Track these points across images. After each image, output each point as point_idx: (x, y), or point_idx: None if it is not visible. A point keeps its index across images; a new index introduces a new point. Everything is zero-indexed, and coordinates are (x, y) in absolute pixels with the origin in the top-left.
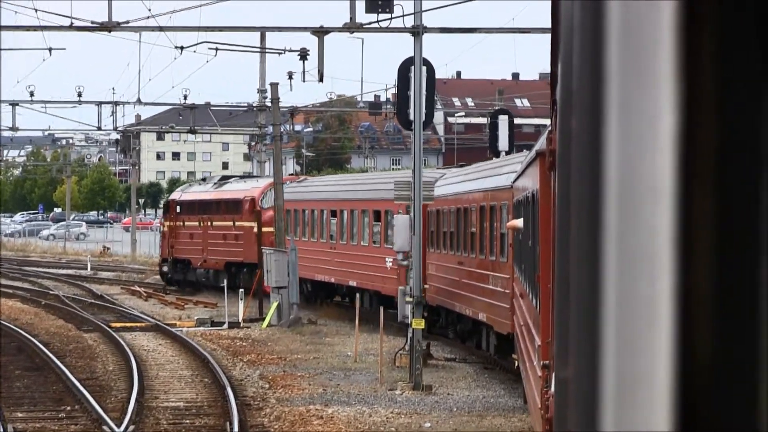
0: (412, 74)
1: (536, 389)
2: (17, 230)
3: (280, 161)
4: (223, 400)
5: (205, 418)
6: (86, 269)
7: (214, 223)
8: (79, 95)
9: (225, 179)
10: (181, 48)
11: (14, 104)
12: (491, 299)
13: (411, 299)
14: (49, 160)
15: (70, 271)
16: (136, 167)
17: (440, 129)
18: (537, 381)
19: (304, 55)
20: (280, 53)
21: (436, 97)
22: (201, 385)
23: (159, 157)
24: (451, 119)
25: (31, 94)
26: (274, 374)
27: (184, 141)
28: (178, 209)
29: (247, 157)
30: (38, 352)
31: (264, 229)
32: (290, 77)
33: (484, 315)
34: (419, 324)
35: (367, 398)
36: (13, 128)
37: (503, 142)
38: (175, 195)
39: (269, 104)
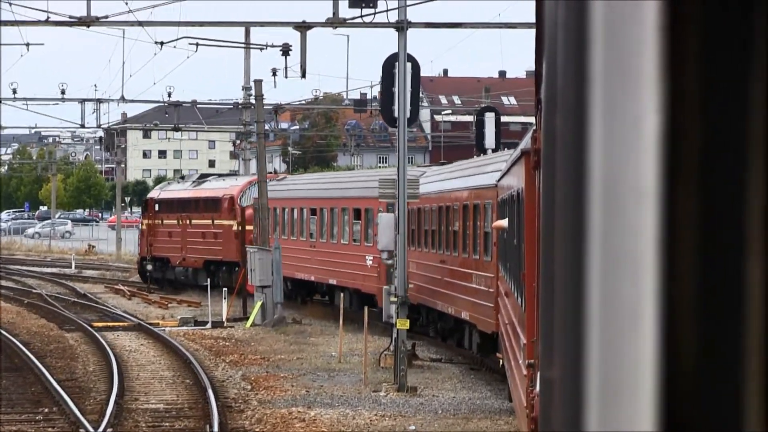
0: (396, 70)
1: (522, 388)
2: (2, 228)
3: (264, 159)
4: (204, 401)
5: (186, 420)
6: (71, 268)
7: (193, 222)
8: (63, 92)
9: (204, 177)
10: (161, 43)
11: None
12: (475, 298)
13: (396, 299)
14: (35, 158)
15: (54, 270)
16: (122, 165)
17: (427, 127)
18: (522, 380)
19: (286, 50)
20: (262, 48)
21: (422, 95)
22: (182, 386)
23: (145, 155)
24: (438, 117)
25: (14, 92)
26: (257, 375)
27: (169, 139)
28: (156, 207)
29: (234, 155)
30: (18, 353)
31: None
32: (274, 74)
33: (467, 314)
34: (404, 324)
35: (351, 400)
36: None
37: (490, 140)
38: (154, 193)
39: (254, 101)
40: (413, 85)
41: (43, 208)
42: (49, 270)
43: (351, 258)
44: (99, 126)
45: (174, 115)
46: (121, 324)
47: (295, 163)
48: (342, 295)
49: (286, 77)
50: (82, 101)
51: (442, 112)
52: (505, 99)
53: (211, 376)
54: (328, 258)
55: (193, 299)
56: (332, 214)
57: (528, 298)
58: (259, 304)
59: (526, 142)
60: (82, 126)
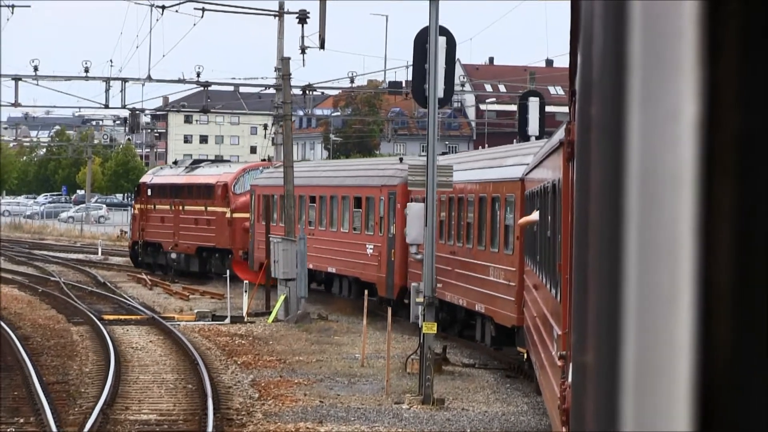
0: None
1: (553, 380)
2: (37, 212)
3: (291, 142)
4: (202, 412)
5: None
6: (97, 254)
7: (186, 207)
8: (86, 71)
9: (197, 163)
10: (162, 8)
11: (17, 79)
12: (492, 291)
13: (422, 300)
14: (74, 141)
15: (80, 256)
16: (155, 149)
17: (471, 115)
18: (554, 372)
19: (303, 18)
20: (275, 15)
21: (464, 79)
22: (183, 393)
23: (186, 140)
24: (482, 106)
25: (35, 69)
26: (269, 380)
27: (209, 123)
28: (149, 192)
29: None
30: (13, 349)
31: (237, 215)
32: (303, 51)
33: (482, 306)
34: (431, 328)
35: (369, 413)
36: (15, 104)
37: (533, 126)
38: (146, 178)
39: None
40: (448, 61)
41: (81, 192)
42: (74, 256)
43: (351, 246)
44: (124, 106)
45: (206, 97)
46: (133, 317)
47: (336, 150)
48: (366, 291)
49: (303, 47)
50: (107, 80)
51: (487, 101)
52: (552, 89)
53: (218, 380)
54: (327, 246)
55: (217, 291)
56: (332, 202)
57: (564, 289)
58: (282, 298)
59: (559, 134)
60: (106, 106)
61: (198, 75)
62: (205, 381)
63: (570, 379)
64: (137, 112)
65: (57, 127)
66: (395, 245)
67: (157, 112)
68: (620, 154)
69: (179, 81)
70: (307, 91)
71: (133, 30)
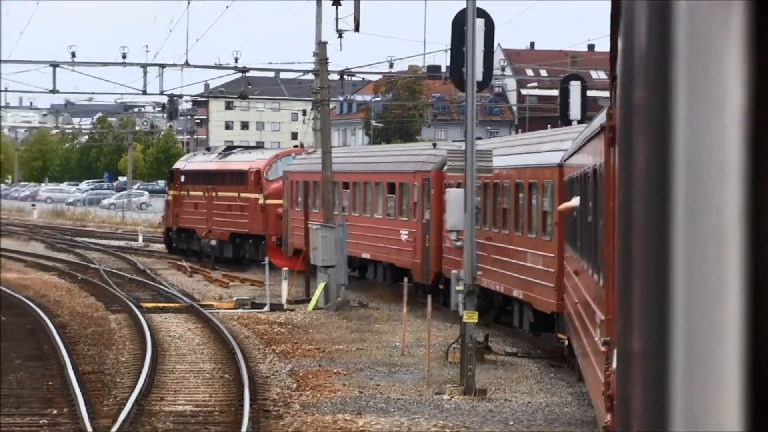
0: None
1: (597, 366)
2: (79, 198)
3: (329, 128)
4: (239, 403)
5: (212, 427)
6: (138, 241)
7: (219, 194)
8: (124, 57)
9: (230, 149)
10: None
11: (54, 65)
12: (531, 277)
13: (462, 288)
14: (115, 127)
15: (121, 243)
16: (195, 136)
17: (513, 100)
18: (597, 358)
19: (337, 0)
20: None
21: (505, 63)
22: (219, 383)
23: (228, 126)
24: (523, 91)
25: (73, 55)
26: (307, 370)
27: (238, 108)
28: (182, 178)
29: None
30: (50, 338)
31: (270, 201)
32: (340, 35)
33: (520, 292)
34: (472, 317)
35: (409, 404)
36: (53, 91)
37: (575, 110)
38: (180, 164)
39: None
40: (486, 44)
41: (123, 179)
42: (116, 243)
43: (385, 232)
44: (162, 92)
45: (245, 82)
46: (172, 305)
47: (377, 135)
48: (405, 279)
49: (338, 30)
50: (144, 66)
51: (528, 85)
52: (593, 73)
53: (255, 370)
54: (361, 232)
55: (257, 278)
56: (366, 187)
57: (608, 274)
58: (322, 285)
59: (600, 119)
60: (144, 92)
61: (236, 60)
62: (242, 371)
63: (614, 365)
64: (175, 98)
65: (99, 114)
66: (430, 231)
67: (197, 98)
68: (666, 142)
69: (217, 66)
70: (345, 76)
71: (167, 15)
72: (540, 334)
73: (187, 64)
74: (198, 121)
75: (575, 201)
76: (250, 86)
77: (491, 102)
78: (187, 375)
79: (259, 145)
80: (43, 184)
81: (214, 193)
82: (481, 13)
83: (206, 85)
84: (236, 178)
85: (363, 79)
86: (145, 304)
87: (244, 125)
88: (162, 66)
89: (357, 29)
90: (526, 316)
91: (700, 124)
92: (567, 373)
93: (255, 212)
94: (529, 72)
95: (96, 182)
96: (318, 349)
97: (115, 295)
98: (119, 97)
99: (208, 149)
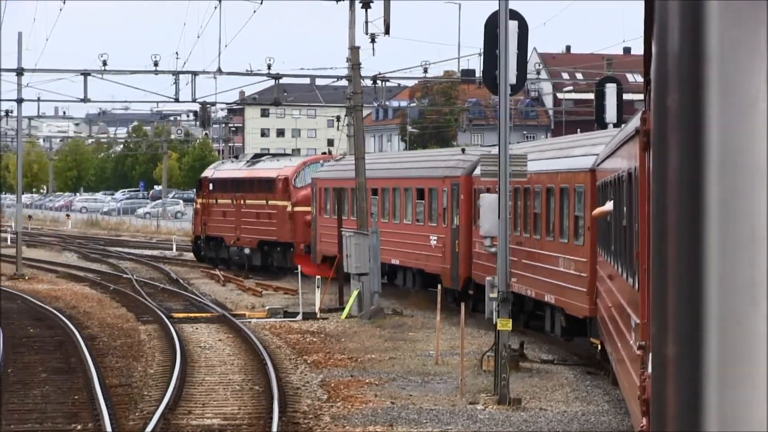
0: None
1: (633, 370)
2: (114, 208)
3: (362, 134)
4: (268, 416)
5: None
6: (172, 250)
7: (247, 201)
8: (156, 64)
9: (257, 157)
10: None
11: (86, 74)
12: (563, 282)
13: (496, 295)
14: (150, 136)
15: (155, 252)
16: (231, 144)
17: (549, 104)
18: (633, 362)
19: (366, 2)
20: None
21: (540, 66)
22: (249, 395)
23: (263, 134)
24: (559, 94)
25: (104, 63)
26: (339, 380)
27: (273, 115)
28: (210, 187)
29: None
30: (78, 350)
31: (298, 209)
32: (372, 40)
33: (552, 297)
34: (506, 325)
35: (442, 415)
36: (84, 99)
37: (611, 113)
38: (208, 172)
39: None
40: (520, 46)
41: (158, 188)
42: (149, 252)
43: (414, 238)
44: (194, 100)
45: (279, 89)
46: (203, 315)
47: (413, 141)
48: (439, 286)
49: (367, 33)
50: (176, 73)
51: (564, 89)
52: (630, 76)
53: (286, 381)
54: (390, 238)
55: (290, 286)
56: (395, 193)
57: (642, 278)
58: (355, 293)
59: (635, 123)
60: (176, 100)
61: (269, 67)
62: (272, 382)
63: (650, 369)
64: (208, 105)
65: (134, 123)
66: (459, 236)
67: (232, 106)
68: (699, 146)
69: (250, 73)
70: (379, 81)
71: (195, 21)
72: (572, 338)
73: (219, 71)
74: (234, 128)
75: (609, 205)
76: (285, 93)
77: (527, 106)
78: (216, 387)
79: (295, 153)
80: (77, 194)
81: (242, 201)
82: (515, 15)
83: (241, 93)
84: (264, 186)
85: (399, 84)
86: (175, 315)
87: (280, 132)
88: (194, 73)
89: (387, 32)
90: (558, 320)
91: (732, 130)
92: (603, 380)
93: (283, 220)
94: (565, 75)
95: (131, 191)
96: (350, 359)
97: (146, 306)
98: (155, 106)
99: (236, 157)
